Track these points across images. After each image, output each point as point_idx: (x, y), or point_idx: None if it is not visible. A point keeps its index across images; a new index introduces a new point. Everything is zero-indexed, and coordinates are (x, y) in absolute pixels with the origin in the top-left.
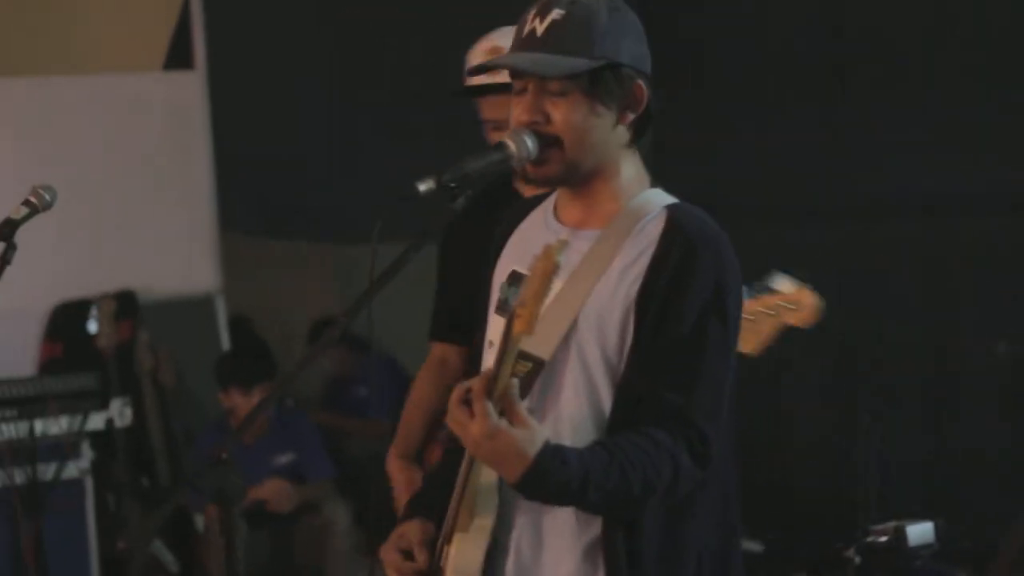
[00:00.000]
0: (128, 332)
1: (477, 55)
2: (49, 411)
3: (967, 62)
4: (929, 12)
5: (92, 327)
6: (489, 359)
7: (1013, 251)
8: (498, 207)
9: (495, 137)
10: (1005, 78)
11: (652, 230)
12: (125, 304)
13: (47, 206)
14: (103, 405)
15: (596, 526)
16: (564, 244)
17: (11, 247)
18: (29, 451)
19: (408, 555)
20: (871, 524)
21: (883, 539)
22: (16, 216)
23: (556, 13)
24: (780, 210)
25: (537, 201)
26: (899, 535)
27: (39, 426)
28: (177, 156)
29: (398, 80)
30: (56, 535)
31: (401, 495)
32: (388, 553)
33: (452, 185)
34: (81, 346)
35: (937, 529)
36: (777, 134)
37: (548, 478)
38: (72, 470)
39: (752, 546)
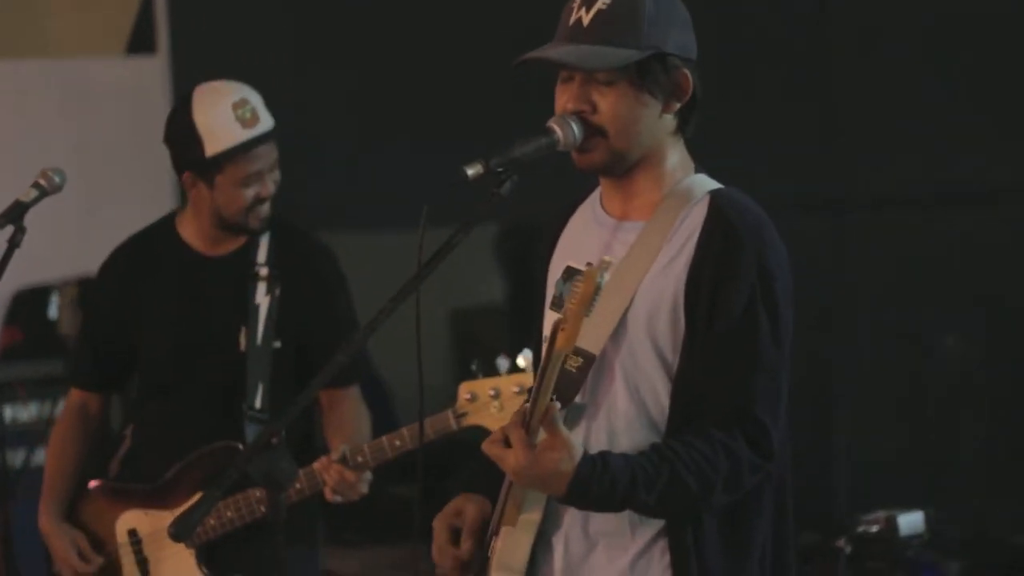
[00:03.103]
0: None
1: (220, 119)
2: (18, 397)
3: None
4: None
5: (53, 313)
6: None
7: (979, 246)
8: (158, 255)
9: (248, 193)
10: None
11: (696, 217)
12: (86, 290)
13: (57, 188)
14: None
15: (653, 524)
16: (607, 265)
17: (20, 230)
18: None
19: (457, 534)
20: (862, 514)
21: (874, 529)
22: (25, 199)
23: (602, 2)
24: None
25: (584, 195)
26: (890, 525)
27: (8, 412)
28: (139, 141)
29: (362, 67)
30: (23, 522)
31: (64, 558)
32: (440, 526)
33: (500, 170)
34: (42, 332)
35: (927, 519)
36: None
37: (591, 486)
38: (41, 457)
39: None
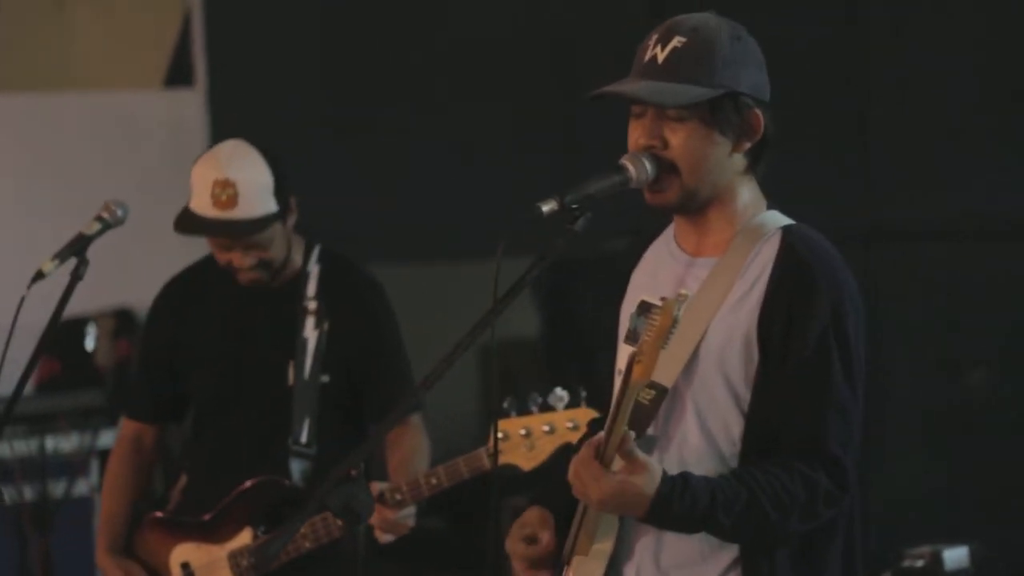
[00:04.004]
0: (126, 350)
1: (201, 186)
2: (59, 428)
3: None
4: None
5: (90, 344)
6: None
7: (1013, 279)
8: (209, 287)
9: (220, 256)
10: None
11: (767, 253)
12: (123, 322)
13: (119, 222)
14: (113, 422)
15: (725, 556)
16: (684, 299)
17: (83, 262)
18: (39, 468)
19: (532, 541)
20: (905, 548)
21: (919, 563)
22: (89, 232)
23: (677, 40)
24: None
25: (659, 230)
26: (935, 560)
27: (49, 443)
28: (176, 174)
29: (403, 99)
30: (64, 553)
31: None
32: (513, 543)
33: (574, 207)
34: (79, 363)
35: (972, 554)
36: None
37: (672, 503)
38: (82, 487)
39: None
